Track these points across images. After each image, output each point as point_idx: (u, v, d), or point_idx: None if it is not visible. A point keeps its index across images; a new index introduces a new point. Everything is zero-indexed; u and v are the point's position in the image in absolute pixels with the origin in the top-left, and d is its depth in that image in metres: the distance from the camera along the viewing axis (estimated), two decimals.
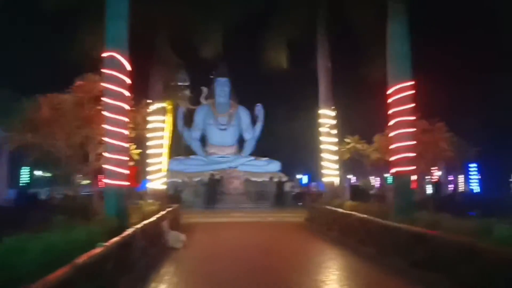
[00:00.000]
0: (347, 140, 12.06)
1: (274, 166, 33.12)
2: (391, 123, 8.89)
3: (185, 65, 14.81)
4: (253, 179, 28.54)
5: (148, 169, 13.31)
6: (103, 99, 7.88)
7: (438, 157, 10.14)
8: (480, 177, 34.82)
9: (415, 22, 8.82)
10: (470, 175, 34.61)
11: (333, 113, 13.91)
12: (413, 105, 8.67)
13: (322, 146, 14.08)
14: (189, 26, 13.61)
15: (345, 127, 13.71)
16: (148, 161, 13.28)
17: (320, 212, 13.38)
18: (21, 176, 24.92)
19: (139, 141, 12.56)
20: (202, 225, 14.13)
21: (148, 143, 13.22)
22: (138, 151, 12.11)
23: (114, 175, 7.63)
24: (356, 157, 11.93)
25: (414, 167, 8.64)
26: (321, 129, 14.05)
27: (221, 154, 35.45)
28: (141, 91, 12.08)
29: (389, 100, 8.93)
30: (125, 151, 7.90)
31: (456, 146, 10.19)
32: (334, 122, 13.87)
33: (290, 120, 38.35)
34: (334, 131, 13.78)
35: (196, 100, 36.81)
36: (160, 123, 13.40)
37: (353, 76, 14.22)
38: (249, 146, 37.32)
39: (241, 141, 37.94)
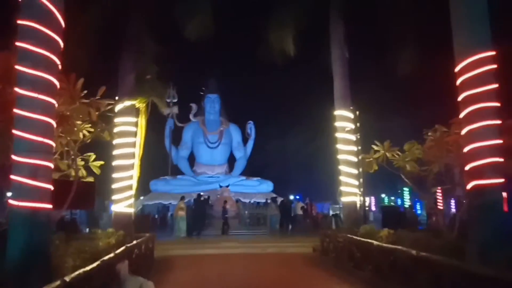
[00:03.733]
0: (375, 147, 9.11)
1: (267, 186, 30.25)
2: (463, 113, 5.99)
3: (166, 56, 11.75)
4: (245, 200, 25.54)
5: (114, 186, 10.14)
6: (16, 66, 4.85)
7: None
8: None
9: None
10: None
11: (352, 115, 10.96)
12: (495, 86, 5.81)
13: (339, 157, 11.03)
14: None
15: (368, 133, 10.76)
16: (114, 175, 10.14)
17: (339, 242, 10.29)
18: None
19: (101, 148, 9.45)
20: (184, 260, 10.85)
21: (114, 152, 10.10)
22: (99, 162, 8.92)
23: (26, 192, 4.53)
24: (390, 169, 8.96)
25: (503, 179, 5.67)
26: (337, 135, 11.06)
27: (211, 174, 32.56)
28: (108, 84, 9.09)
29: (459, 81, 6.06)
30: (48, 154, 4.82)
31: None
32: (353, 126, 10.90)
33: (280, 138, 35.59)
34: (354, 137, 10.81)
35: (185, 117, 33.82)
36: (130, 126, 10.30)
37: (375, 70, 11.39)
38: (240, 165, 34.34)
39: (231, 160, 34.99)
